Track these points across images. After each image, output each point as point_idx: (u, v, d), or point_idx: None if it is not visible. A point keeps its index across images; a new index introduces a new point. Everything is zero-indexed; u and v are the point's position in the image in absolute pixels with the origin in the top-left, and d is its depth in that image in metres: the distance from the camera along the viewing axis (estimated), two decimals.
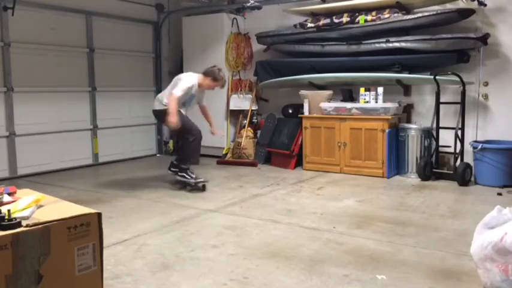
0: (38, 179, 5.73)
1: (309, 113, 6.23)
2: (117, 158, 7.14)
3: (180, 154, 5.27)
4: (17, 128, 5.83)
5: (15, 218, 1.63)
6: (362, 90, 5.83)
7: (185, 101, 5.08)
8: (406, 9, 5.72)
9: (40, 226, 1.62)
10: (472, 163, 5.31)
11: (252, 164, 6.57)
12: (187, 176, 5.10)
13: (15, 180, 5.61)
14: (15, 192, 2.08)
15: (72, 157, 6.49)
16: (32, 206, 1.80)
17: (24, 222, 1.63)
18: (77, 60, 6.55)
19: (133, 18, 7.32)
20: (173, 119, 4.74)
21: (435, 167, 5.48)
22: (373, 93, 5.76)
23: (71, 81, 6.47)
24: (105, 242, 2.41)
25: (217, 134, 5.47)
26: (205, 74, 5.13)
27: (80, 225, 1.73)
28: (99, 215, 1.80)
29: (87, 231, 1.75)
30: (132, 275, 2.78)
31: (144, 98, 7.59)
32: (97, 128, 6.84)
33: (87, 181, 5.70)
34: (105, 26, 6.88)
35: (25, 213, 1.73)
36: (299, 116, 6.34)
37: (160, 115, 5.03)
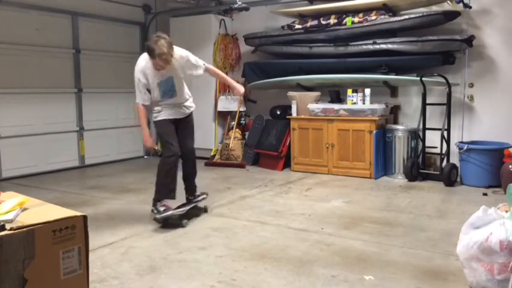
0: (23, 182, 5.65)
1: (297, 114, 6.24)
2: (104, 160, 7.08)
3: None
4: (1, 129, 5.74)
5: None
6: (349, 91, 5.86)
7: (162, 94, 3.80)
8: (393, 11, 5.76)
9: (24, 229, 1.59)
10: (458, 164, 5.37)
11: (240, 166, 6.56)
12: (153, 210, 3.82)
13: (0, 182, 5.53)
14: None
15: (58, 159, 6.42)
16: (16, 209, 1.78)
17: (8, 226, 1.60)
18: (63, 61, 6.48)
19: (120, 19, 7.27)
20: (145, 141, 3.97)
21: (422, 167, 5.52)
22: (360, 94, 5.79)
23: (57, 83, 6.40)
24: (92, 245, 2.39)
25: (241, 94, 4.22)
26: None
27: (65, 228, 1.70)
28: (84, 217, 1.77)
29: (72, 234, 1.72)
30: (119, 278, 2.76)
31: (131, 99, 7.46)
32: (83, 129, 6.77)
33: (73, 183, 5.64)
34: (91, 27, 6.82)
35: (9, 216, 1.71)
36: (287, 117, 6.34)
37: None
